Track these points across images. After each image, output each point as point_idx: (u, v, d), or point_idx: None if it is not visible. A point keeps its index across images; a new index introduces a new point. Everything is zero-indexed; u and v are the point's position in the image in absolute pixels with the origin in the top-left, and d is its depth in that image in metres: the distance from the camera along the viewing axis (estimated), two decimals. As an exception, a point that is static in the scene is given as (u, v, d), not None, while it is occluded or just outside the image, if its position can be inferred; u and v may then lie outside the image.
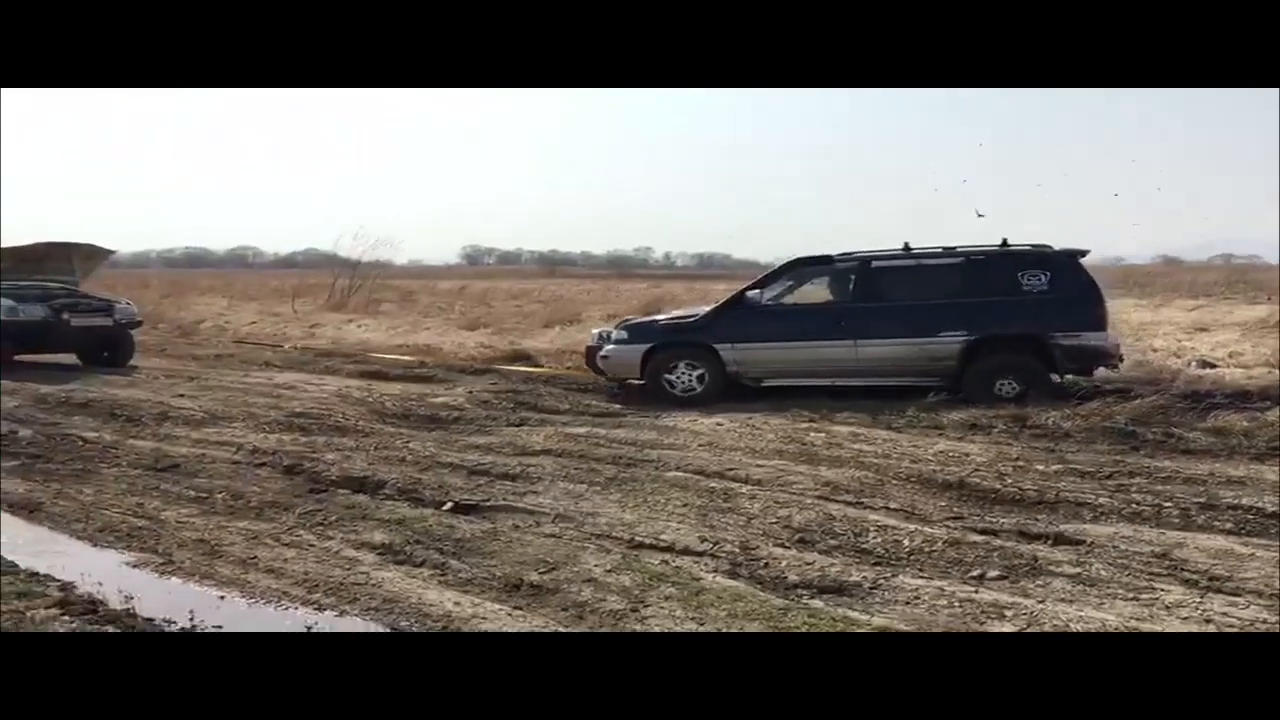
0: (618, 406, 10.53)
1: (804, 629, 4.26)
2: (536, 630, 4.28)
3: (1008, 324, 10.38)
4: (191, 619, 4.33)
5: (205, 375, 13.49)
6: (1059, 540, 5.46)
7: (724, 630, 4.25)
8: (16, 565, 5.00)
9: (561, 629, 4.31)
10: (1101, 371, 10.86)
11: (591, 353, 11.92)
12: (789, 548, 5.42)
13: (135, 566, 5.21)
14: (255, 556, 5.32)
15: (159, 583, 4.96)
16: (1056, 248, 10.69)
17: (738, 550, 5.36)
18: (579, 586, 4.80)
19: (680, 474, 7.10)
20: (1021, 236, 10.81)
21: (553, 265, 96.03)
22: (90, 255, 15.99)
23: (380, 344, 17.37)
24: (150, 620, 4.30)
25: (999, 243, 10.82)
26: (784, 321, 11.04)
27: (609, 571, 5.01)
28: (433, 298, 30.83)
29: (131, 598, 4.53)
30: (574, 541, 5.56)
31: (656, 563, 5.15)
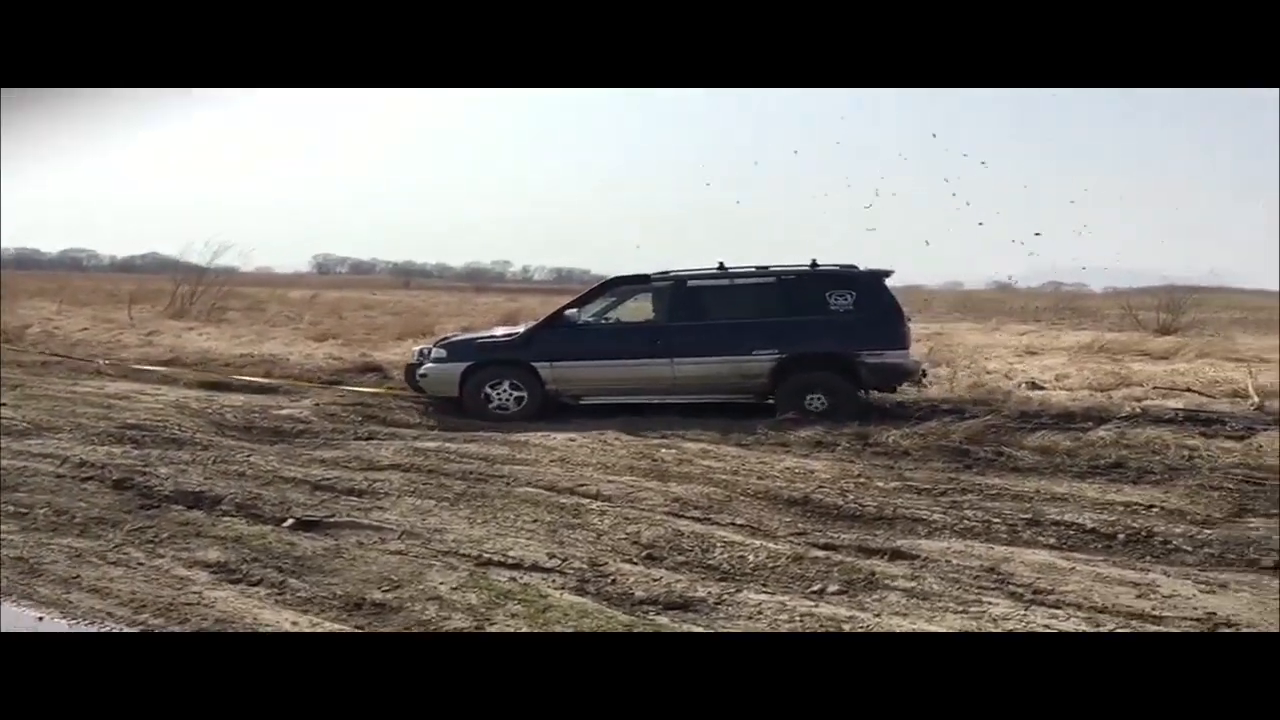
0: (470, 421, 10.40)
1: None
2: (536, 630, 4.18)
3: (815, 342, 10.72)
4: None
5: (30, 383, 12.73)
6: (895, 555, 5.64)
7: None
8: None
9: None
10: (936, 391, 11.32)
11: (411, 370, 11.86)
12: (637, 564, 5.45)
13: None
14: (78, 576, 5.05)
15: (-29, 604, 4.66)
16: (862, 268, 11.12)
17: (586, 566, 5.35)
18: (423, 605, 4.71)
19: (531, 490, 7.06)
20: (862, 262, 11.20)
21: (408, 276, 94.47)
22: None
23: (223, 353, 16.74)
24: (-42, 645, 4.02)
25: (809, 263, 11.17)
26: (601, 340, 11.22)
27: (455, 589, 4.93)
28: (282, 307, 29.99)
29: (-61, 620, 4.25)
30: (420, 559, 5.46)
31: (504, 580, 5.11)
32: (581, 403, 11.11)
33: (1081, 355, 17.46)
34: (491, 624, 4.49)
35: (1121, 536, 5.99)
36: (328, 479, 7.31)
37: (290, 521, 6.20)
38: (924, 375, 11.49)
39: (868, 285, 10.87)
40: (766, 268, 11.23)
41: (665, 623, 4.57)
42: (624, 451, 8.57)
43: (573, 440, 9.07)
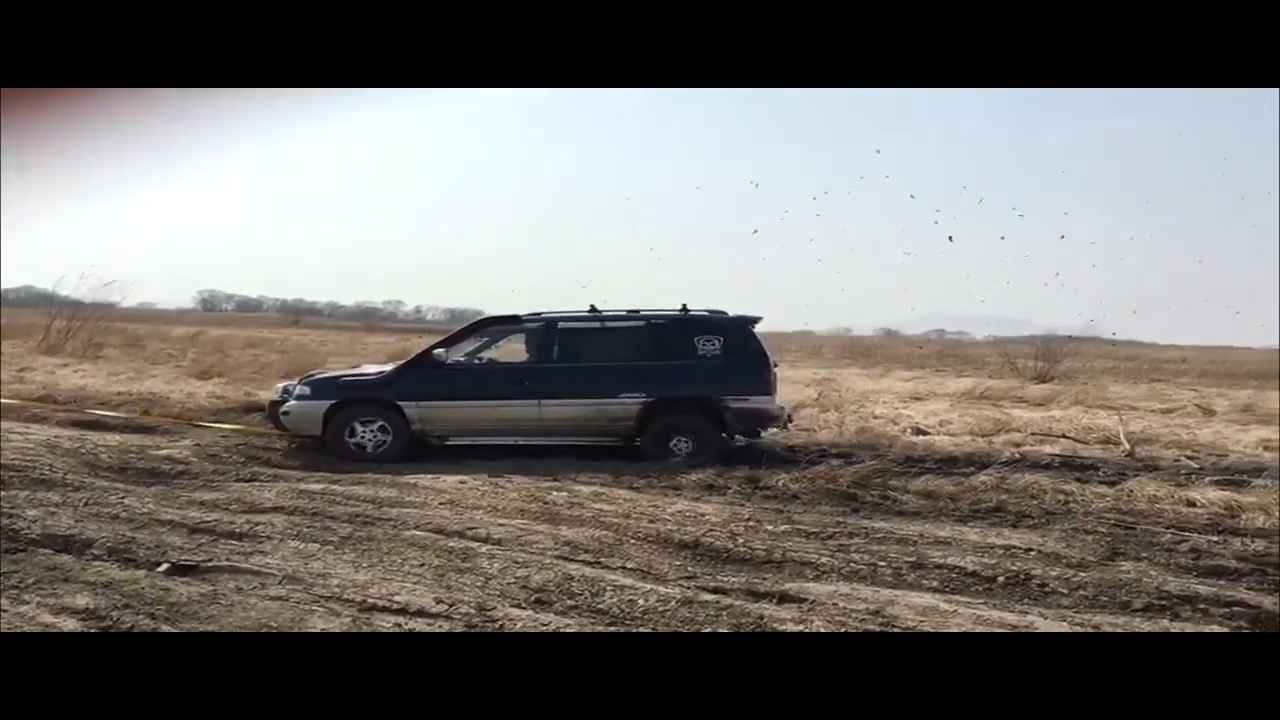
0: (358, 464, 10.20)
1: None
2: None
3: (681, 387, 10.88)
4: None
5: (-113, 420, 12.08)
6: (784, 598, 5.68)
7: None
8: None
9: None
10: (826, 435, 11.52)
11: (274, 407, 11.60)
12: (525, 608, 5.38)
13: None
14: (-67, 624, 4.77)
15: None
16: (731, 314, 11.33)
17: (474, 611, 5.27)
18: (304, 652, 4.58)
19: (419, 533, 6.94)
20: (734, 309, 11.36)
21: (296, 314, 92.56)
22: None
23: (100, 391, 16.12)
24: None
25: (679, 307, 11.35)
26: (469, 380, 11.19)
27: (337, 635, 4.80)
28: (163, 344, 29.10)
29: None
30: (301, 604, 5.30)
31: (388, 625, 4.99)
32: (448, 443, 11.01)
33: (964, 401, 18.00)
34: (375, 671, 4.38)
35: (1001, 579, 6.15)
36: (206, 521, 7.08)
37: (165, 566, 5.97)
38: (790, 421, 11.73)
39: (735, 331, 11.03)
40: (637, 311, 11.36)
41: (553, 668, 4.52)
42: (515, 494, 8.49)
43: (464, 483, 8.96)
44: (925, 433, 13.45)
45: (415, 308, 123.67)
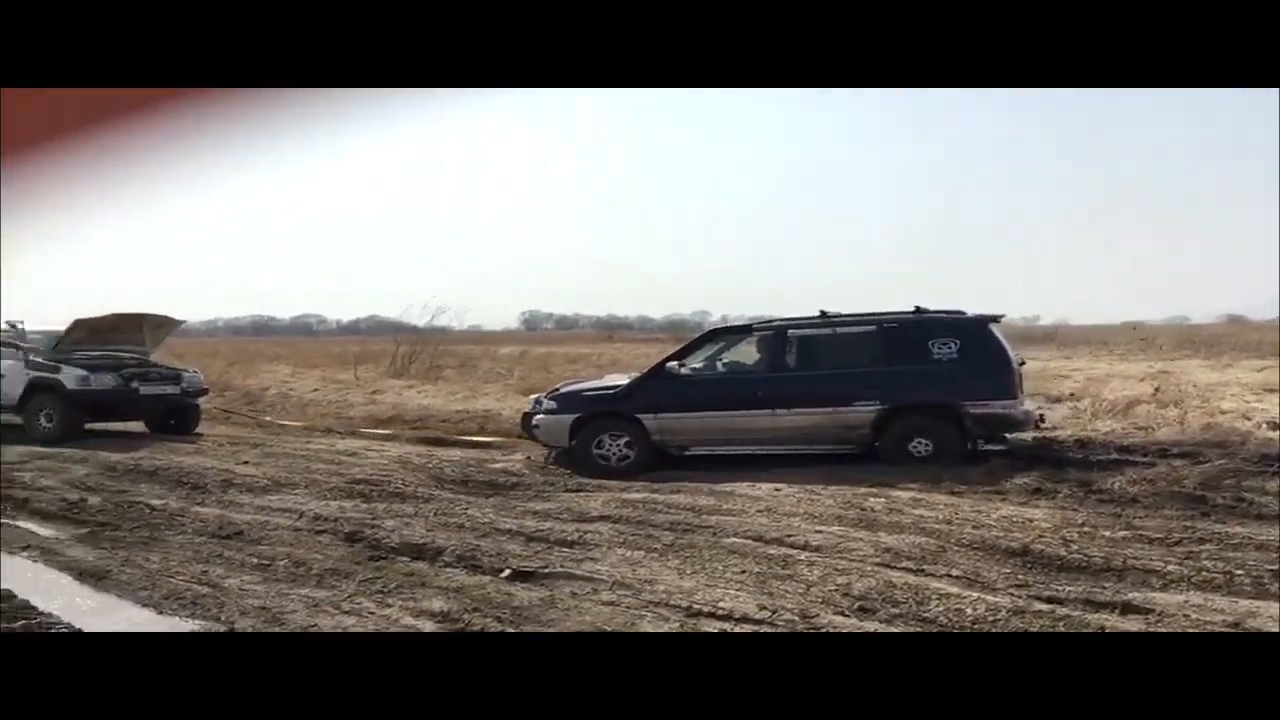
0: (678, 472, 10.47)
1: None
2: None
3: (918, 393, 10.55)
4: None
5: (269, 442, 13.71)
6: (1127, 609, 5.32)
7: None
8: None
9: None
10: (1166, 433, 10.67)
11: (527, 419, 12.07)
12: (849, 615, 5.35)
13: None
14: (316, 624, 5.36)
15: (222, 650, 5.02)
16: (970, 314, 10.91)
17: (797, 618, 5.29)
18: (637, 655, 4.77)
19: (738, 540, 7.05)
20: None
21: (610, 329, 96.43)
22: (160, 325, 16.36)
23: (441, 410, 17.53)
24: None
25: (913, 309, 11.02)
26: (703, 390, 11.24)
27: (667, 640, 4.97)
28: (492, 363, 31.12)
29: (195, 665, 4.60)
30: (631, 609, 5.53)
31: (715, 631, 5.11)
32: (687, 454, 11.09)
33: (1330, 391, 16.09)
34: (704, 676, 4.50)
35: (1386, 590, 5.48)
36: (541, 530, 7.53)
37: (507, 572, 6.40)
38: (1041, 421, 11.15)
39: (973, 332, 10.63)
40: (869, 314, 11.12)
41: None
42: (831, 501, 8.45)
43: (779, 490, 9.01)
44: (1284, 427, 12.15)
45: (721, 317, 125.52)
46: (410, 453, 12.38)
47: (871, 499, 8.56)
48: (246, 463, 11.39)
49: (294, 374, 28.58)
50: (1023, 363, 10.89)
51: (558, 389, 12.48)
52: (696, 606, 5.54)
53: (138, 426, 15.42)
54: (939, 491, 8.90)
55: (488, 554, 6.87)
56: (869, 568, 6.26)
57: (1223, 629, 4.93)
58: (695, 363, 11.60)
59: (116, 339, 15.75)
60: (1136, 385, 17.14)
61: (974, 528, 7.28)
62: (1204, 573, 5.96)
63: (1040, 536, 6.92)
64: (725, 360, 11.70)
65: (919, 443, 10.41)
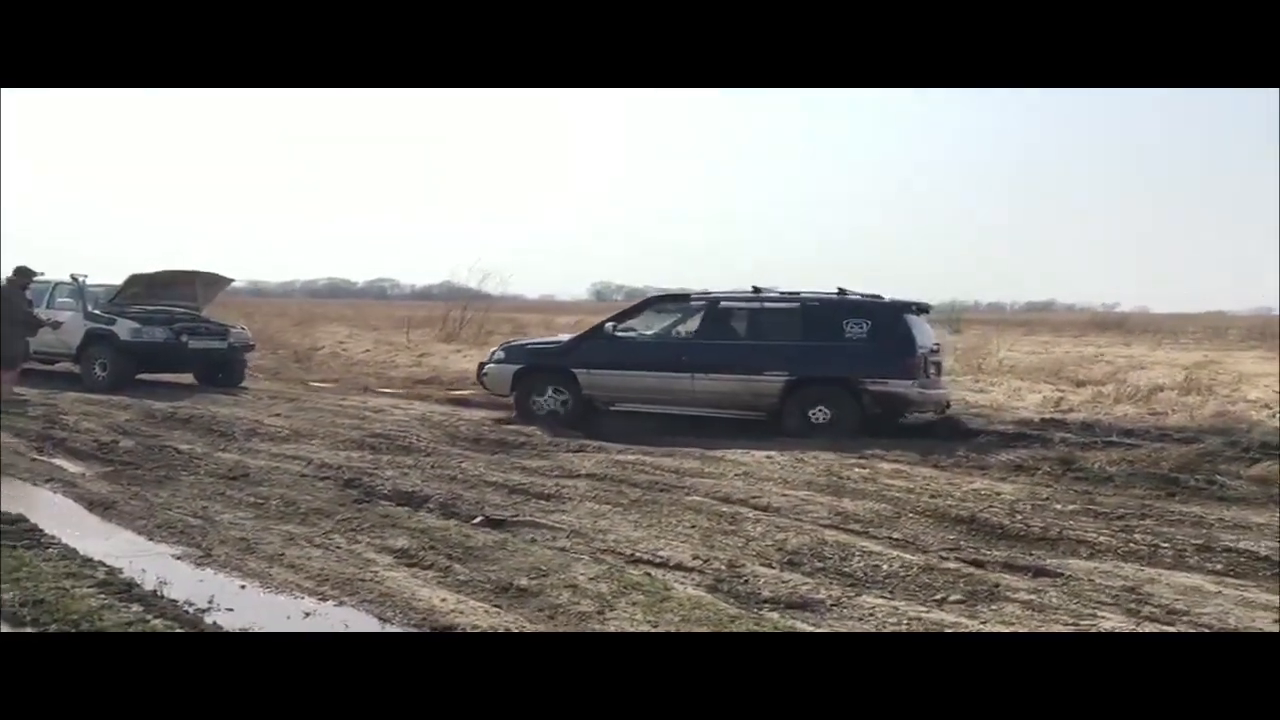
0: (687, 438, 10.84)
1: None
2: (530, 631, 4.69)
3: (823, 367, 11.33)
4: (209, 603, 4.93)
5: (305, 398, 14.44)
6: (1039, 573, 5.67)
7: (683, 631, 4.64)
8: (75, 551, 5.71)
9: (531, 628, 4.76)
10: (1177, 419, 10.80)
11: (480, 368, 13.19)
12: (774, 568, 5.77)
13: (177, 558, 5.86)
14: (284, 554, 5.93)
15: (193, 571, 5.60)
16: (887, 299, 11.82)
17: (724, 568, 5.73)
18: (560, 592, 5.25)
19: (702, 499, 7.48)
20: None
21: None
22: (211, 283, 17.19)
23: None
24: (174, 602, 4.91)
25: (835, 290, 11.87)
26: (635, 352, 12.20)
27: (591, 580, 5.44)
28: (545, 331, 31.78)
29: (165, 583, 5.18)
30: (574, 554, 6.01)
31: (638, 575, 5.57)
32: (611, 409, 12.18)
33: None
34: (612, 610, 4.96)
35: (1298, 565, 5.73)
36: (524, 484, 8.02)
37: (479, 519, 6.91)
38: (946, 407, 12.00)
39: (884, 317, 11.42)
40: (796, 293, 11.98)
41: (774, 618, 4.89)
42: (812, 469, 8.81)
43: (770, 457, 9.38)
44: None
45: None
46: (434, 411, 12.98)
47: (855, 469, 8.92)
48: (277, 415, 12.05)
49: (350, 336, 29.52)
50: (936, 348, 11.91)
51: (509, 342, 13.85)
52: (637, 554, 6.01)
53: (187, 378, 16.21)
54: (924, 465, 9.23)
55: (468, 503, 7.38)
56: (812, 527, 6.66)
57: (1118, 593, 5.26)
58: (634, 326, 12.62)
59: (170, 294, 16.56)
60: (1171, 373, 17.10)
61: (933, 497, 7.63)
62: (1132, 544, 6.26)
63: (991, 507, 7.24)
64: (661, 327, 12.63)
65: (818, 411, 11.14)
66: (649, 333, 12.57)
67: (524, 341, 13.78)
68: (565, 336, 13.70)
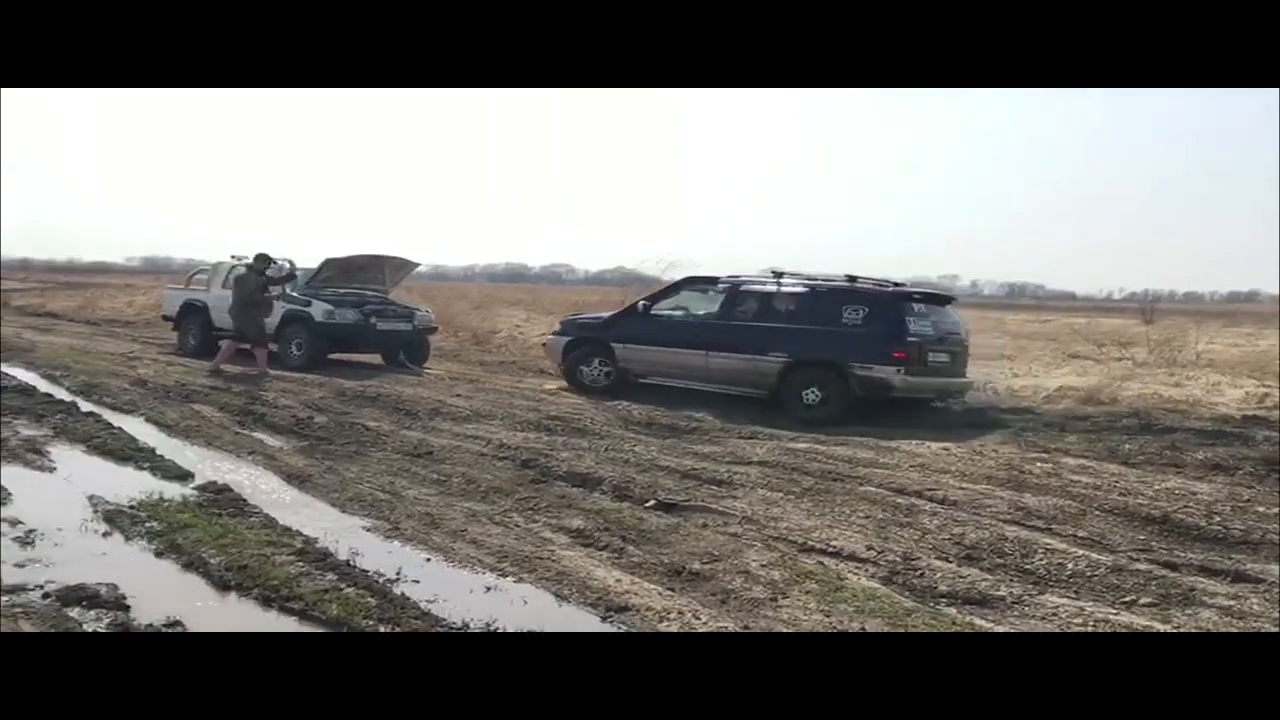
0: (856, 427, 10.73)
1: (924, 629, 4.56)
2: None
3: (817, 351, 11.83)
4: (397, 575, 5.19)
5: (484, 379, 14.89)
6: (1238, 578, 5.38)
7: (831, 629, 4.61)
8: (275, 520, 6.08)
9: (704, 612, 4.82)
10: None
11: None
12: (950, 562, 5.66)
13: (368, 530, 6.18)
14: (466, 530, 6.16)
15: (382, 544, 5.89)
16: (890, 288, 12.38)
17: (899, 560, 5.65)
18: (732, 577, 5.29)
19: (876, 490, 7.39)
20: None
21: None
22: (399, 267, 17.90)
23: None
24: (365, 572, 5.18)
25: (845, 278, 12.43)
26: (663, 329, 13.12)
27: (764, 566, 5.46)
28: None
29: (357, 554, 5.48)
30: (746, 540, 6.04)
31: (812, 563, 5.55)
32: (641, 380, 13.09)
33: None
34: (785, 598, 4.97)
35: None
36: (696, 469, 8.09)
37: (652, 502, 7.01)
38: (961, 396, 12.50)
39: (883, 304, 11.85)
40: (810, 279, 12.59)
41: (951, 613, 4.80)
42: (992, 463, 8.59)
43: (946, 449, 9.22)
44: None
45: (971, 282, 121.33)
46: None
47: (1038, 464, 8.65)
48: (458, 395, 12.49)
49: (528, 319, 30.21)
50: (949, 338, 12.11)
51: (570, 316, 15.43)
52: (810, 543, 5.99)
53: (374, 358, 16.96)
54: (1113, 461, 8.87)
55: (641, 486, 7.49)
56: (991, 522, 6.49)
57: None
58: (666, 304, 13.48)
59: (361, 278, 17.34)
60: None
61: (1122, 494, 7.32)
62: (1345, 552, 5.86)
63: (1186, 507, 6.90)
64: (690, 306, 13.44)
65: (810, 392, 11.68)
66: (677, 312, 13.40)
67: (577, 316, 15.21)
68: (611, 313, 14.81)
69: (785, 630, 4.60)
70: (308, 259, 17.56)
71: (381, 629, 4.48)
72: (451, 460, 8.33)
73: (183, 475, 7.41)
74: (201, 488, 6.93)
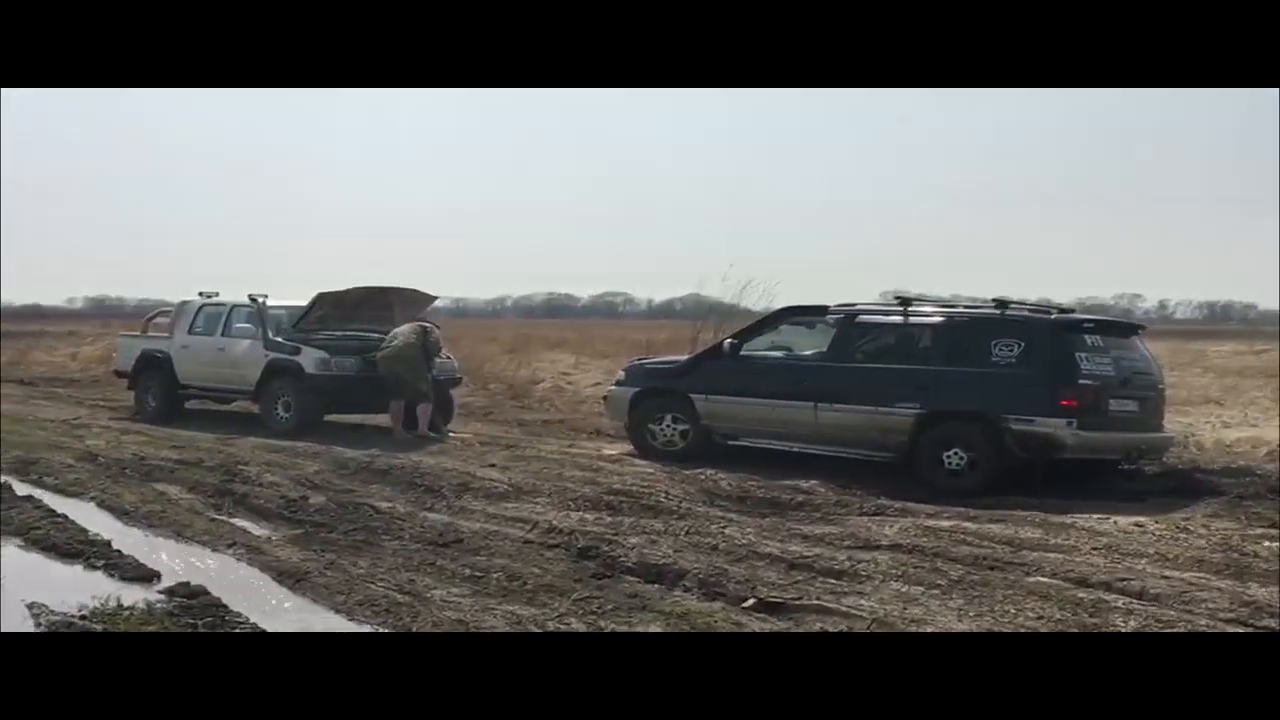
0: (1004, 499, 10.59)
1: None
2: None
3: (959, 399, 11.55)
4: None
5: (525, 443, 14.93)
6: None
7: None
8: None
9: None
10: None
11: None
12: (1156, 678, 5.50)
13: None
14: (512, 642, 6.15)
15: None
16: (1053, 313, 12.01)
17: (1086, 676, 5.51)
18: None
19: (1048, 581, 7.28)
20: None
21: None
22: (411, 301, 17.71)
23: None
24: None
25: (992, 302, 12.03)
26: (755, 375, 12.74)
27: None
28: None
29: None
30: (880, 651, 5.93)
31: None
32: (729, 444, 12.66)
33: None
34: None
35: None
36: (807, 557, 8.02)
37: (751, 601, 6.95)
38: (1137, 459, 11.92)
39: (1042, 337, 11.45)
40: (950, 306, 12.13)
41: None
42: (1202, 542, 8.45)
43: (1139, 525, 9.08)
44: None
45: (1159, 303, 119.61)
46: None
47: (1264, 542, 8.47)
48: (492, 465, 12.54)
49: (576, 365, 30.30)
50: (1136, 379, 11.72)
51: (634, 360, 14.74)
52: (964, 654, 5.87)
53: (382, 418, 16.97)
54: (1366, 538, 8.62)
55: (735, 580, 7.43)
56: (1209, 623, 6.32)
57: None
58: (759, 343, 13.10)
59: (362, 316, 17.26)
60: None
61: (1386, 585, 7.10)
62: None
63: None
64: (792, 344, 13.01)
65: (953, 453, 11.29)
66: (775, 353, 13.00)
67: (644, 361, 14.60)
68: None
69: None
70: (292, 295, 17.63)
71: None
72: (487, 550, 8.35)
73: (146, 575, 7.53)
74: (170, 591, 7.04)
